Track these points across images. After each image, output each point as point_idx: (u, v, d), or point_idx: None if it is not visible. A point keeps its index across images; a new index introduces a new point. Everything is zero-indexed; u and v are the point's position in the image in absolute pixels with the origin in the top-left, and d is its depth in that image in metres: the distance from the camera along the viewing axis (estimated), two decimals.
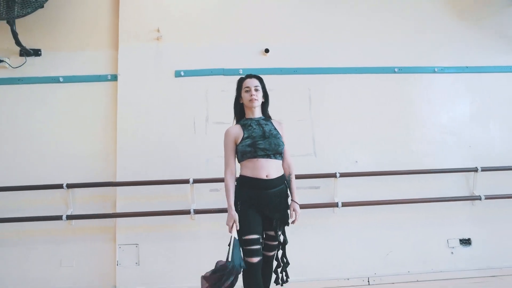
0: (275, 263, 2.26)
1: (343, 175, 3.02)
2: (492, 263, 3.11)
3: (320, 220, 3.04)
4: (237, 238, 2.03)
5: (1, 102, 3.10)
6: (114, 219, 2.94)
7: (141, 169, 3.00)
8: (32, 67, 3.15)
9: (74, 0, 3.22)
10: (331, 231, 3.06)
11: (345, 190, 3.06)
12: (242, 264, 1.98)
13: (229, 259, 1.94)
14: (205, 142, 3.09)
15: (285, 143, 2.24)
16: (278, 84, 3.12)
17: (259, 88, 2.26)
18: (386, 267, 3.06)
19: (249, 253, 2.04)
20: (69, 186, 2.90)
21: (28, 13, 2.88)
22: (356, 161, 3.15)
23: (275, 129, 2.24)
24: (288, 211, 2.20)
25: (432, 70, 3.34)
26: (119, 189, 2.97)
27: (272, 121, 2.31)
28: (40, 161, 3.00)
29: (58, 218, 2.86)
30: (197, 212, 2.90)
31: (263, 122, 2.24)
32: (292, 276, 2.35)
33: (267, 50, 3.23)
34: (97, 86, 3.15)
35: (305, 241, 3.00)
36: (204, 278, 1.95)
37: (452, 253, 3.12)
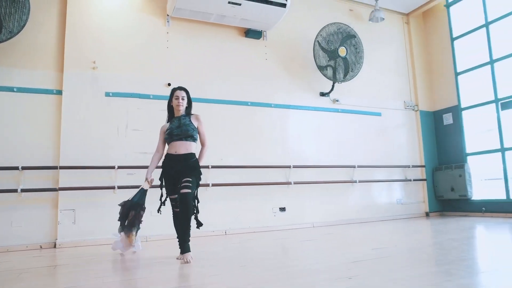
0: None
1: (214, 167, 4.91)
2: (296, 221, 5.40)
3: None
4: (145, 189, 3.26)
5: None
6: (57, 192, 4.21)
7: (78, 158, 4.33)
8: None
9: (29, 28, 4.32)
10: (208, 202, 4.91)
11: (216, 176, 4.95)
12: (140, 201, 3.25)
13: (132, 198, 3.27)
14: (125, 142, 4.60)
15: (202, 128, 3.18)
16: None
17: (185, 97, 3.18)
18: (236, 224, 5.04)
19: (173, 206, 3.14)
20: (23, 168, 4.06)
21: (1, 42, 3.96)
22: (222, 159, 5.07)
23: (190, 120, 3.13)
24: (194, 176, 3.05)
25: (270, 105, 5.53)
26: (61, 171, 4.24)
27: (191, 116, 3.20)
28: (0, 148, 4.06)
29: (14, 190, 4.00)
30: (119, 187, 4.39)
31: (182, 117, 3.15)
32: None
33: (169, 84, 4.92)
34: (45, 97, 4.34)
35: None
36: (119, 204, 3.33)
37: (274, 215, 5.31)
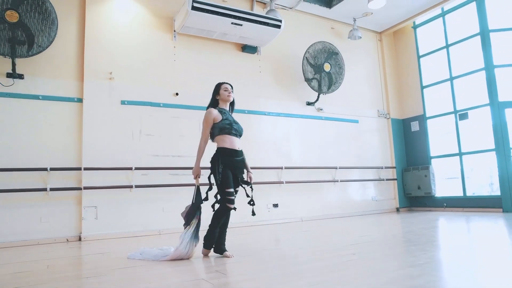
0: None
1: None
2: (287, 216, 6.11)
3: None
4: (198, 185, 3.08)
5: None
6: (81, 190, 4.67)
7: (98, 160, 4.81)
8: (19, 86, 4.55)
9: (53, 42, 4.75)
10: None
11: None
12: (196, 203, 3.02)
13: (193, 201, 3.03)
14: (139, 146, 5.12)
15: None
16: (183, 114, 5.42)
17: (232, 90, 3.25)
18: (236, 219, 5.67)
19: (228, 201, 2.97)
20: (51, 169, 4.50)
21: (32, 55, 4.39)
22: None
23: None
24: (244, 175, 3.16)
25: (264, 113, 6.21)
26: (84, 172, 4.71)
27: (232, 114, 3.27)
28: (30, 151, 4.48)
29: (43, 189, 4.44)
30: (136, 186, 4.92)
31: (229, 113, 3.21)
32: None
33: (177, 93, 5.48)
34: (67, 104, 4.79)
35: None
36: (181, 214, 3.07)
37: (269, 211, 5.99)
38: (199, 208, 3.07)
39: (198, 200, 3.07)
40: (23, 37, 4.33)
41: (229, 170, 3.04)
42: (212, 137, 3.15)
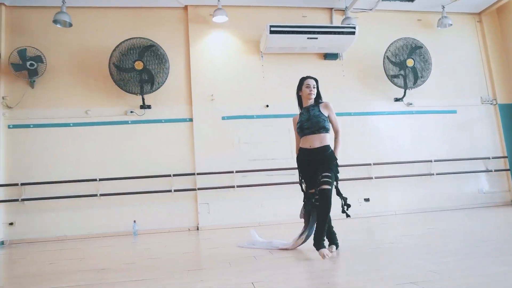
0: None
1: None
2: (379, 209, 6.37)
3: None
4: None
5: (134, 131, 6.01)
6: (196, 191, 5.93)
7: (207, 166, 6.01)
8: (148, 114, 6.08)
9: (171, 79, 6.17)
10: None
11: None
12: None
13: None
14: (238, 153, 6.16)
15: (333, 116, 3.09)
16: (273, 123, 6.27)
17: (316, 86, 3.15)
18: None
19: (312, 201, 3.13)
20: (174, 175, 5.87)
21: (153, 91, 5.86)
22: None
23: (319, 111, 3.03)
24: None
25: (350, 114, 6.61)
26: (197, 176, 5.96)
27: (320, 105, 3.10)
28: (159, 162, 5.95)
29: (169, 191, 5.82)
30: (237, 186, 5.96)
31: (311, 108, 3.10)
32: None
33: (267, 105, 6.37)
34: (182, 124, 6.14)
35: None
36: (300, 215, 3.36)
37: (360, 205, 6.36)
38: (311, 207, 3.17)
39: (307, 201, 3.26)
40: (147, 78, 5.81)
41: (304, 170, 3.13)
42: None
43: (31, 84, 5.82)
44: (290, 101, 6.53)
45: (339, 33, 6.02)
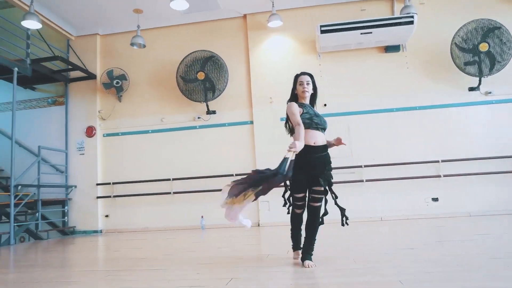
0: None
1: (366, 166, 6.08)
2: (450, 210, 5.90)
3: (356, 189, 6.13)
4: (290, 158, 2.56)
5: (202, 135, 6.67)
6: None
7: (268, 164, 6.33)
8: (213, 119, 6.67)
9: (232, 85, 6.66)
10: (364, 194, 6.12)
11: (368, 173, 6.10)
12: (286, 173, 2.54)
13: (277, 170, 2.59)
14: None
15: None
16: (332, 121, 6.20)
17: (310, 83, 2.89)
18: (391, 212, 6.01)
19: (294, 207, 2.91)
20: (236, 174, 6.35)
21: (215, 98, 6.41)
22: (374, 159, 6.15)
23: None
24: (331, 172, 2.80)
25: (415, 108, 6.23)
26: None
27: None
28: (223, 162, 6.50)
29: None
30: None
31: (310, 107, 2.93)
32: None
33: (325, 104, 6.40)
34: (244, 127, 6.58)
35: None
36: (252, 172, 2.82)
37: (427, 205, 5.99)
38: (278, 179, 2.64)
39: (283, 170, 2.60)
40: (209, 86, 6.38)
41: (303, 172, 2.76)
42: (291, 132, 2.90)
43: (119, 99, 6.90)
44: (349, 98, 6.50)
45: (395, 24, 5.75)
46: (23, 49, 6.20)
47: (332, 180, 2.87)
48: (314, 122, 2.82)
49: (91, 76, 6.92)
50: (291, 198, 2.95)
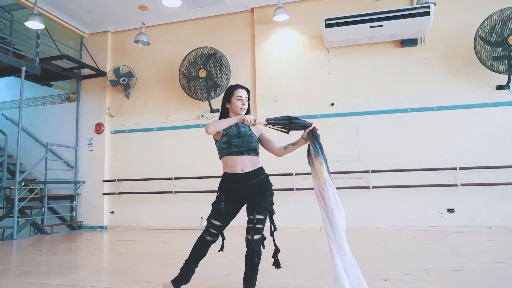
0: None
1: (374, 171, 5.61)
2: (467, 223, 5.30)
3: (363, 196, 5.68)
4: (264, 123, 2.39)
5: (205, 134, 6.51)
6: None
7: (269, 167, 6.07)
8: (216, 117, 6.46)
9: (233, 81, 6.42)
10: (370, 202, 5.66)
11: (377, 179, 5.63)
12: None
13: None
14: (299, 155, 5.99)
15: (266, 134, 2.60)
16: (339, 122, 5.86)
17: (247, 99, 2.52)
18: (399, 222, 5.51)
19: (208, 232, 2.42)
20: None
21: (217, 96, 6.21)
22: (383, 163, 5.66)
23: (250, 130, 2.48)
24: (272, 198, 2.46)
25: (432, 109, 5.63)
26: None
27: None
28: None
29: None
30: (297, 189, 5.85)
31: (241, 124, 2.47)
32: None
33: (332, 104, 5.98)
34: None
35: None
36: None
37: (441, 216, 5.42)
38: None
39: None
40: (211, 84, 6.19)
41: (232, 201, 2.45)
42: (220, 153, 2.54)
43: (127, 96, 6.92)
44: (358, 96, 6.01)
45: (409, 16, 5.17)
46: (33, 49, 6.38)
47: (273, 207, 2.48)
48: (233, 145, 2.40)
49: (101, 73, 7.00)
50: (207, 222, 2.47)
